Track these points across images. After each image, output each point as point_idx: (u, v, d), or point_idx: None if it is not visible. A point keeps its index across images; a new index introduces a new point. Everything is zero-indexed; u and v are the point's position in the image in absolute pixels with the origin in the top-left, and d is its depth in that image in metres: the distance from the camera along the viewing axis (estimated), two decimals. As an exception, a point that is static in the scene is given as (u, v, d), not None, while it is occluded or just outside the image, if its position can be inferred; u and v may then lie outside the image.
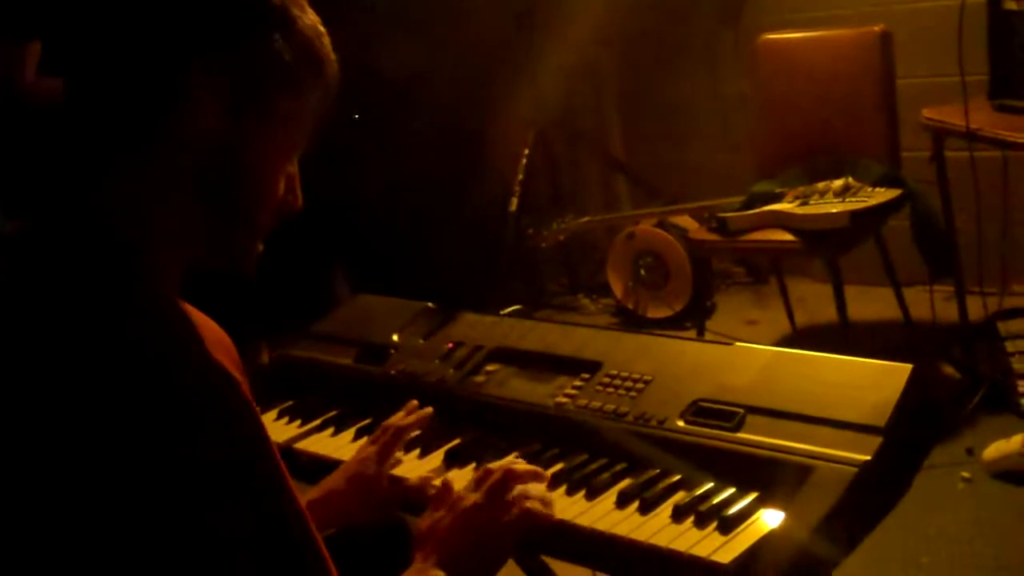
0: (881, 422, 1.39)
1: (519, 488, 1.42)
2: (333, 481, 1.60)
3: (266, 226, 1.18)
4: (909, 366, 1.45)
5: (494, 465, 1.46)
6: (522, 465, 1.48)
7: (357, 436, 1.78)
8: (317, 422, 1.85)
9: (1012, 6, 3.19)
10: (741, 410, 1.50)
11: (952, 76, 3.20)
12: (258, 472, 0.99)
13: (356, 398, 1.89)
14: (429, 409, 1.70)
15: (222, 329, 1.04)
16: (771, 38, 3.93)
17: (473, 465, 1.61)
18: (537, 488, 1.44)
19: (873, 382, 1.45)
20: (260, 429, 1.00)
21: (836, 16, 4.31)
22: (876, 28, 3.69)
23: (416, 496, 1.57)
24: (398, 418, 1.68)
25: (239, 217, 1.15)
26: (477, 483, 1.43)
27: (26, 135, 1.08)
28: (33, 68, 1.07)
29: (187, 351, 0.99)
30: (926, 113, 3.45)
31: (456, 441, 1.69)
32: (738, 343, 1.66)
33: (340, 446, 1.77)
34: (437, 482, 1.57)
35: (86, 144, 1.08)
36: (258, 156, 1.13)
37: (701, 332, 4.01)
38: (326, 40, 1.17)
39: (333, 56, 1.18)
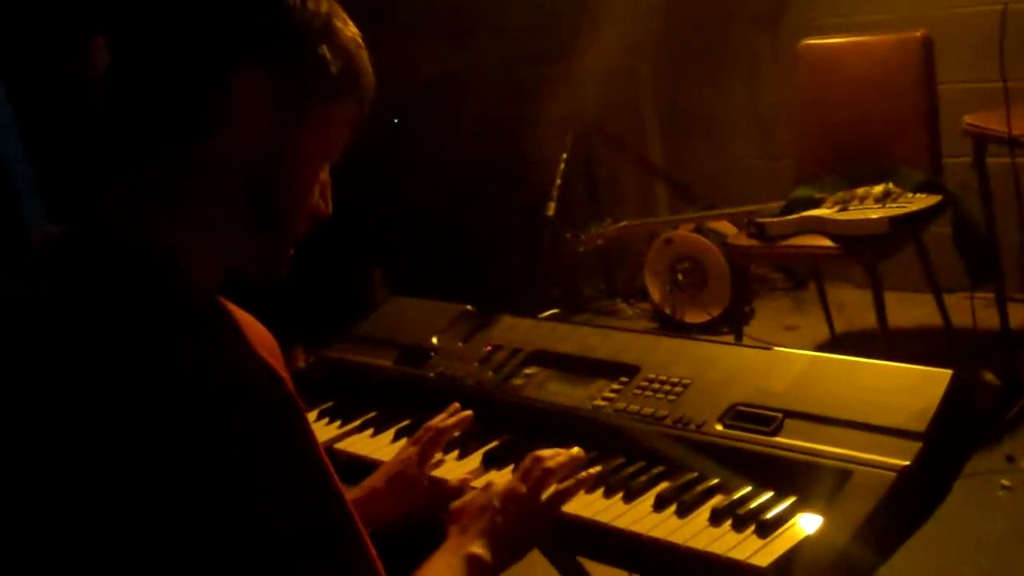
0: (921, 427, 1.38)
1: (552, 464, 1.46)
2: (373, 481, 1.62)
3: (299, 232, 1.20)
4: (949, 372, 1.44)
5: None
6: (551, 451, 1.51)
7: (396, 437, 1.80)
8: (357, 423, 1.87)
9: (1055, 11, 3.16)
10: (779, 414, 1.50)
11: (994, 82, 3.18)
12: (304, 466, 1.01)
13: (395, 400, 1.90)
14: (469, 412, 1.72)
15: (265, 327, 1.06)
16: (811, 43, 3.92)
17: (511, 467, 1.62)
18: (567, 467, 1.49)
19: (913, 387, 1.45)
20: (305, 424, 1.02)
21: (877, 21, 4.29)
22: (917, 33, 3.67)
23: (454, 496, 1.58)
24: (439, 419, 1.70)
25: (276, 222, 1.17)
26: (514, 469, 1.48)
27: (76, 136, 1.10)
28: (100, 63, 1.08)
29: (232, 348, 1.00)
30: (967, 119, 3.42)
31: (494, 443, 1.70)
32: (776, 348, 1.66)
33: (380, 447, 1.79)
34: (476, 483, 1.59)
35: (131, 146, 1.10)
36: (296, 162, 1.15)
37: (739, 337, 3.99)
38: (364, 53, 1.20)
39: (370, 69, 1.21)
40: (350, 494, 1.58)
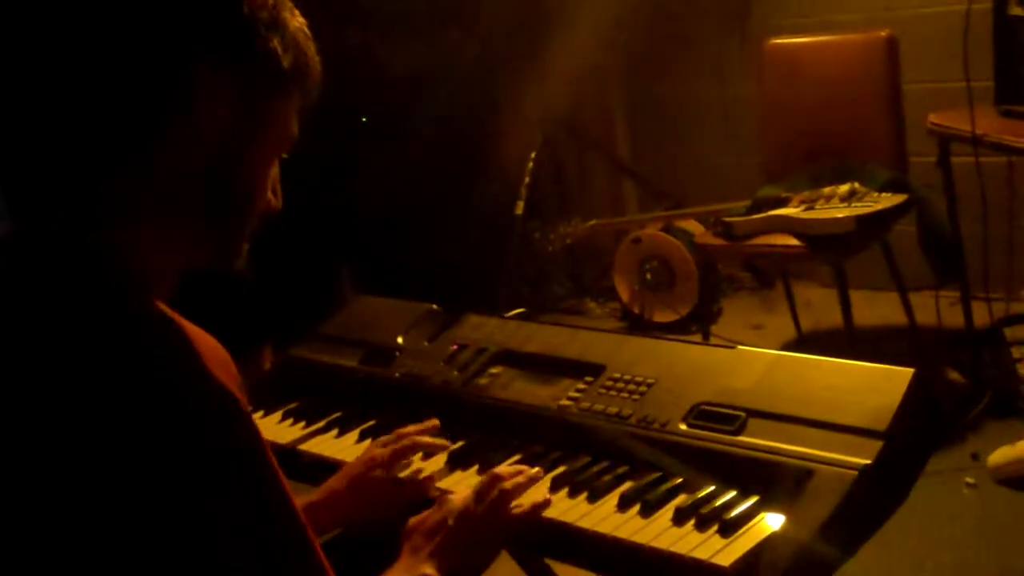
0: (883, 426, 1.39)
1: (508, 485, 1.45)
2: (334, 483, 1.61)
3: (254, 226, 1.20)
4: (911, 370, 1.44)
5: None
6: (510, 468, 1.51)
7: (361, 438, 1.79)
8: (321, 423, 1.86)
9: (1018, 12, 3.19)
10: (743, 413, 1.50)
11: (958, 82, 3.20)
12: (257, 486, 1.00)
13: (360, 400, 1.89)
14: (447, 442, 1.69)
15: (219, 342, 1.05)
16: (778, 43, 3.94)
17: (476, 467, 1.62)
18: (525, 487, 1.47)
19: (875, 386, 1.45)
20: (259, 442, 1.01)
21: (842, 21, 4.32)
22: (882, 33, 3.69)
23: (417, 497, 1.58)
24: (414, 429, 1.68)
25: (234, 218, 1.16)
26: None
27: (32, 137, 1.08)
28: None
29: (184, 365, 0.99)
30: (932, 118, 3.45)
31: (460, 443, 1.69)
32: (740, 347, 1.66)
33: (344, 448, 1.78)
34: (440, 484, 1.58)
35: (87, 148, 1.08)
36: (252, 157, 1.15)
37: (706, 337, 4.01)
38: (312, 44, 1.19)
39: (318, 59, 1.20)
40: (311, 496, 1.58)
